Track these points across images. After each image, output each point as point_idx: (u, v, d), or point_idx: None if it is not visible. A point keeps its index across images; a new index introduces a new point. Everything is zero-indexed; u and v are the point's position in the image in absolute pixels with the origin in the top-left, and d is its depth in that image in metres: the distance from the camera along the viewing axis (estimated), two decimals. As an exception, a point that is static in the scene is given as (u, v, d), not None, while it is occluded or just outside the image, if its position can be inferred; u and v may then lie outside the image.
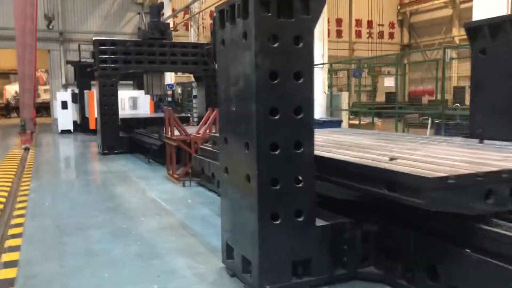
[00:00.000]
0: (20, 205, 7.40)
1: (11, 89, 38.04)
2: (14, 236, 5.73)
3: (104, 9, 30.62)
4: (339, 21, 35.86)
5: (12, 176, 10.04)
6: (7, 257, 4.97)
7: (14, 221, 6.42)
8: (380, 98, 27.79)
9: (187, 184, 8.69)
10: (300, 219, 3.89)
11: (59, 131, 21.13)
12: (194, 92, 23.11)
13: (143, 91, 20.79)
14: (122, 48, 13.33)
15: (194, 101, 23.09)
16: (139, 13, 26.89)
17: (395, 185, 3.40)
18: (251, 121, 3.81)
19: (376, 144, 5.02)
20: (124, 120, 14.45)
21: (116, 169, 10.86)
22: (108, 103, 13.40)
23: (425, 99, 30.15)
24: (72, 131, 21.30)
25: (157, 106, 22.61)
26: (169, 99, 26.36)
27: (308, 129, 3.92)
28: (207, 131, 9.46)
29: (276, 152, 3.80)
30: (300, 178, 3.90)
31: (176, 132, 9.50)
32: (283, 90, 3.81)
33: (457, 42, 30.24)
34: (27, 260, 4.85)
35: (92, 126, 19.72)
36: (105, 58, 13.21)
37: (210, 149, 8.58)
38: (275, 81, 3.78)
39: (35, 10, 16.69)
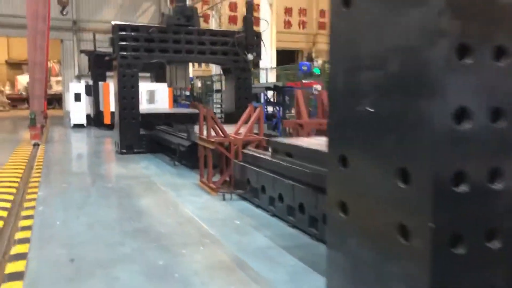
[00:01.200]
0: (24, 223, 5.80)
1: (23, 79, 36.62)
2: (12, 277, 4.11)
3: (119, -2, 29.05)
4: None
5: (18, 180, 8.46)
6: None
7: (15, 250, 4.81)
8: None
9: (227, 197, 7.05)
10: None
11: (72, 125, 19.57)
12: (217, 86, 21.49)
13: (163, 84, 19.13)
14: (145, 35, 11.68)
15: (214, 96, 21.47)
16: None
17: None
18: (417, 131, 2.15)
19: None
20: (144, 115, 12.82)
21: (138, 173, 9.25)
22: (128, 95, 11.78)
23: None
24: (85, 125, 19.74)
25: (175, 101, 21.05)
26: (187, 93, 24.77)
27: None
28: (249, 131, 7.82)
29: (463, 188, 2.13)
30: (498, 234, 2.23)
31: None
32: (480, 77, 2.13)
33: None
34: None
35: (107, 120, 18.17)
36: (126, 45, 11.58)
37: (257, 154, 6.93)
38: (468, 61, 2.10)
39: (48, -7, 15.10)
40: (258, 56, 12.69)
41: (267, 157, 6.41)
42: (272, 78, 18.73)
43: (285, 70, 16.65)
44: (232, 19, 29.42)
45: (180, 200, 6.99)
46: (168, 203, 6.88)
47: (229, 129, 7.93)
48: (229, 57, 12.55)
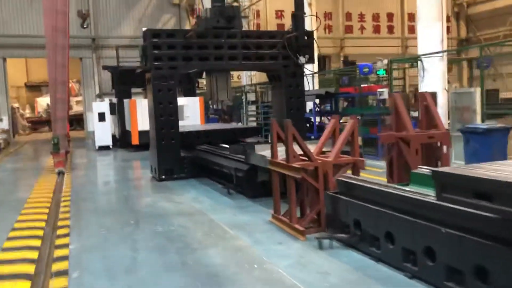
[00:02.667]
0: (55, 305, 3.92)
1: (43, 102, 35.29)
2: None
3: (138, 12, 27.54)
4: (390, 16, 32.11)
5: (43, 225, 6.64)
6: None
7: None
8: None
9: (325, 244, 5.09)
10: None
11: (96, 147, 17.84)
12: (252, 97, 19.69)
13: (193, 98, 17.38)
14: (182, 41, 9.87)
15: (246, 108, 19.62)
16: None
17: None
18: None
19: None
20: (181, 134, 10.97)
21: (189, 208, 7.36)
22: (165, 113, 9.94)
23: None
24: (111, 147, 17.99)
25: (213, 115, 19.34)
26: (214, 106, 22.97)
27: None
28: (338, 151, 5.86)
29: None
30: None
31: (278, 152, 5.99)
32: None
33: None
34: None
35: (134, 141, 16.39)
36: (160, 54, 9.78)
37: (375, 186, 4.94)
38: None
39: (67, 5, 13.43)
40: (311, 59, 10.78)
41: (412, 196, 4.35)
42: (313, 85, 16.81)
43: (342, 73, 14.65)
44: (256, 27, 27.65)
45: (263, 252, 5.05)
46: (248, 257, 4.94)
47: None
48: (278, 61, 10.66)
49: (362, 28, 31.79)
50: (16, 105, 33.54)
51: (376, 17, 32.02)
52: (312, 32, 10.98)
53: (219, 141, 11.21)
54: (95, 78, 27.16)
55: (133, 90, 19.71)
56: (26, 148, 21.52)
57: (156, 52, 9.76)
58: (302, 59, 10.58)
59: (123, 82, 17.93)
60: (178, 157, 10.09)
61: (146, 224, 6.53)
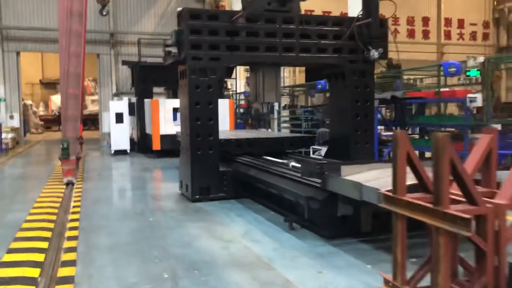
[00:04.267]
0: None
1: (57, 99, 33.33)
2: None
3: (160, 7, 25.43)
4: (425, 20, 29.68)
5: (36, 275, 4.42)
6: None
7: None
8: None
9: None
10: None
11: (112, 151, 15.66)
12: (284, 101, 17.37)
13: (222, 100, 15.12)
14: (227, 25, 7.64)
15: (276, 113, 17.30)
16: None
17: None
18: None
19: None
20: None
21: (245, 253, 5.06)
22: (203, 116, 7.70)
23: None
24: (128, 151, 15.81)
25: (239, 119, 17.11)
26: (241, 110, 20.71)
27: None
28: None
29: None
30: None
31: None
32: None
33: None
34: None
35: (155, 146, 14.19)
36: (200, 40, 7.55)
37: None
38: None
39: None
40: (384, 53, 8.48)
41: None
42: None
43: (394, 75, 12.26)
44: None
45: None
46: None
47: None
48: (344, 55, 8.38)
49: (395, 32, 29.38)
50: (29, 102, 31.64)
51: (410, 21, 29.60)
52: (386, 20, 8.69)
53: (261, 152, 8.94)
54: (113, 76, 25.08)
55: (155, 90, 17.58)
56: (36, 149, 19.45)
57: (194, 37, 7.52)
58: (374, 53, 8.27)
59: (144, 80, 15.77)
60: (217, 172, 7.83)
61: (188, 281, 4.25)
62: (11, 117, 23.71)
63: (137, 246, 5.42)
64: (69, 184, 9.72)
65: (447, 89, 9.95)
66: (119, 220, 6.70)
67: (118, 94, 23.88)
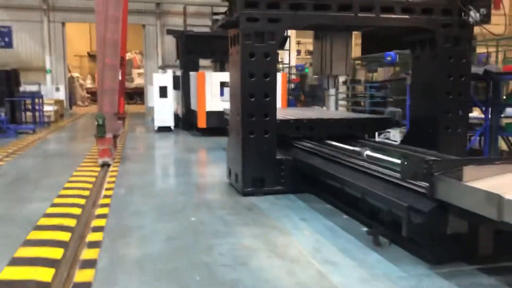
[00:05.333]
0: None
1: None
2: None
3: (209, -25, 23.82)
4: (497, -12, 26.50)
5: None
6: None
7: None
8: None
9: None
10: None
11: (155, 128, 14.52)
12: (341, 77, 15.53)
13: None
14: (291, -24, 6.04)
15: (337, 88, 15.53)
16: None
17: None
18: None
19: None
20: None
21: (315, 280, 3.62)
22: (258, 91, 6.21)
23: None
24: (172, 128, 14.62)
25: (290, 96, 15.57)
26: (292, 86, 19.07)
27: None
28: None
29: None
30: None
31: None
32: None
33: None
34: None
35: (201, 123, 12.91)
36: (256, -4, 6.02)
37: None
38: None
39: None
40: (488, 15, 6.63)
41: None
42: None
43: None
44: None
45: None
46: None
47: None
48: (435, 17, 6.61)
49: None
50: (76, 74, 31.23)
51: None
52: (492, -28, 6.79)
53: (324, 136, 7.38)
54: (158, 48, 23.98)
55: (201, 63, 16.23)
56: (79, 123, 18.70)
57: (249, -8, 6.00)
58: (475, 15, 6.47)
59: (190, 51, 14.39)
60: (273, 161, 6.37)
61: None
62: (57, 89, 23.19)
63: (174, 262, 4.06)
64: (104, 165, 8.61)
65: None
66: (154, 219, 5.39)
67: (164, 67, 22.76)
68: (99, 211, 5.67)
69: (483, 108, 8.54)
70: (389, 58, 11.42)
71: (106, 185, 7.06)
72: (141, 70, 29.96)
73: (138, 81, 31.81)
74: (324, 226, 5.02)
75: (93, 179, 7.42)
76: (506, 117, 8.97)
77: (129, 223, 5.19)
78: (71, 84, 27.38)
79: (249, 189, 6.30)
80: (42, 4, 22.24)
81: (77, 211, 5.58)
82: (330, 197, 5.93)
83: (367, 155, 6.05)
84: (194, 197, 6.41)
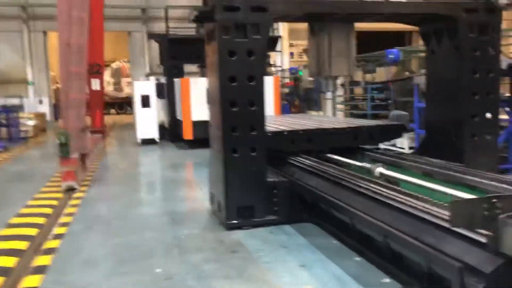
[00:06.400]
0: None
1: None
2: None
3: (195, -22, 22.56)
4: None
5: None
6: None
7: None
8: None
9: None
10: None
11: (139, 140, 13.19)
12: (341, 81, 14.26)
13: (267, 77, 12.33)
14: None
15: (334, 91, 14.23)
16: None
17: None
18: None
19: None
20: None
21: None
22: (241, 98, 4.88)
23: None
24: (157, 140, 13.28)
25: (284, 101, 14.31)
26: (286, 90, 17.76)
27: None
28: None
29: None
30: None
31: None
32: None
33: None
34: None
35: (187, 135, 11.58)
36: (235, -22, 4.72)
37: None
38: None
39: None
40: (518, -2, 5.36)
41: None
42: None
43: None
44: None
45: None
46: None
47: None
48: (456, 0, 5.34)
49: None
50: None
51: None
52: None
53: (325, 149, 6.08)
54: (145, 55, 22.66)
55: (188, 69, 14.93)
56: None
57: (225, -26, 4.70)
58: (505, -2, 5.22)
59: (174, 57, 13.08)
60: (264, 185, 5.05)
61: None
62: (40, 101, 21.78)
63: None
64: (70, 190, 7.27)
65: None
66: (108, 271, 4.05)
67: (151, 75, 21.43)
68: (40, 260, 4.32)
69: (507, 109, 7.25)
70: (391, 56, 10.13)
71: (62, 219, 5.72)
72: (130, 79, 28.64)
73: (127, 91, 30.50)
74: (331, 276, 3.70)
75: (50, 210, 6.07)
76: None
77: (72, 281, 3.85)
78: (57, 96, 25.98)
79: (234, 221, 4.97)
80: (22, 13, 20.91)
81: (8, 262, 4.24)
82: (336, 229, 4.62)
83: (380, 173, 4.77)
84: (167, 234, 5.06)
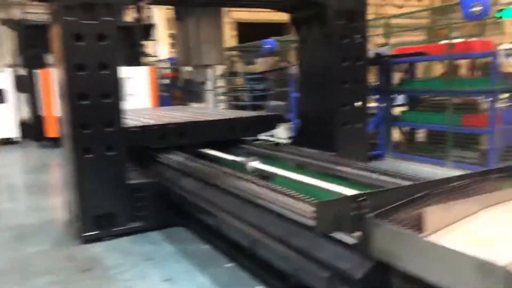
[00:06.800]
0: None
1: None
2: None
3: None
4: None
5: None
6: None
7: None
8: None
9: None
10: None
11: (-4, 141, 11.51)
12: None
13: (139, 67, 11.50)
14: None
15: (214, 83, 13.86)
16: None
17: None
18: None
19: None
20: (128, 132, 5.17)
21: None
22: (93, 90, 4.18)
23: None
24: (18, 139, 11.70)
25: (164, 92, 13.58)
26: (166, 81, 16.97)
27: None
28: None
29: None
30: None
31: None
32: None
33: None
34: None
35: (50, 132, 10.35)
36: None
37: None
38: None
39: None
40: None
41: None
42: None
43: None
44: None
45: None
46: None
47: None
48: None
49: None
50: None
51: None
52: None
53: (199, 142, 5.63)
54: (6, 44, 20.07)
55: (51, 59, 13.37)
56: None
57: None
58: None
59: (32, 45, 11.58)
60: (126, 188, 4.42)
61: None
62: None
63: None
64: None
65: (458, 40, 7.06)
66: None
67: (14, 66, 19.07)
68: None
69: (375, 96, 7.47)
70: (267, 46, 10.01)
71: None
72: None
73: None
74: (201, 291, 3.25)
75: None
76: (398, 105, 8.02)
77: None
78: None
79: (92, 232, 4.28)
80: None
81: None
82: (207, 233, 4.18)
83: (254, 168, 4.45)
84: (6, 254, 4.19)
